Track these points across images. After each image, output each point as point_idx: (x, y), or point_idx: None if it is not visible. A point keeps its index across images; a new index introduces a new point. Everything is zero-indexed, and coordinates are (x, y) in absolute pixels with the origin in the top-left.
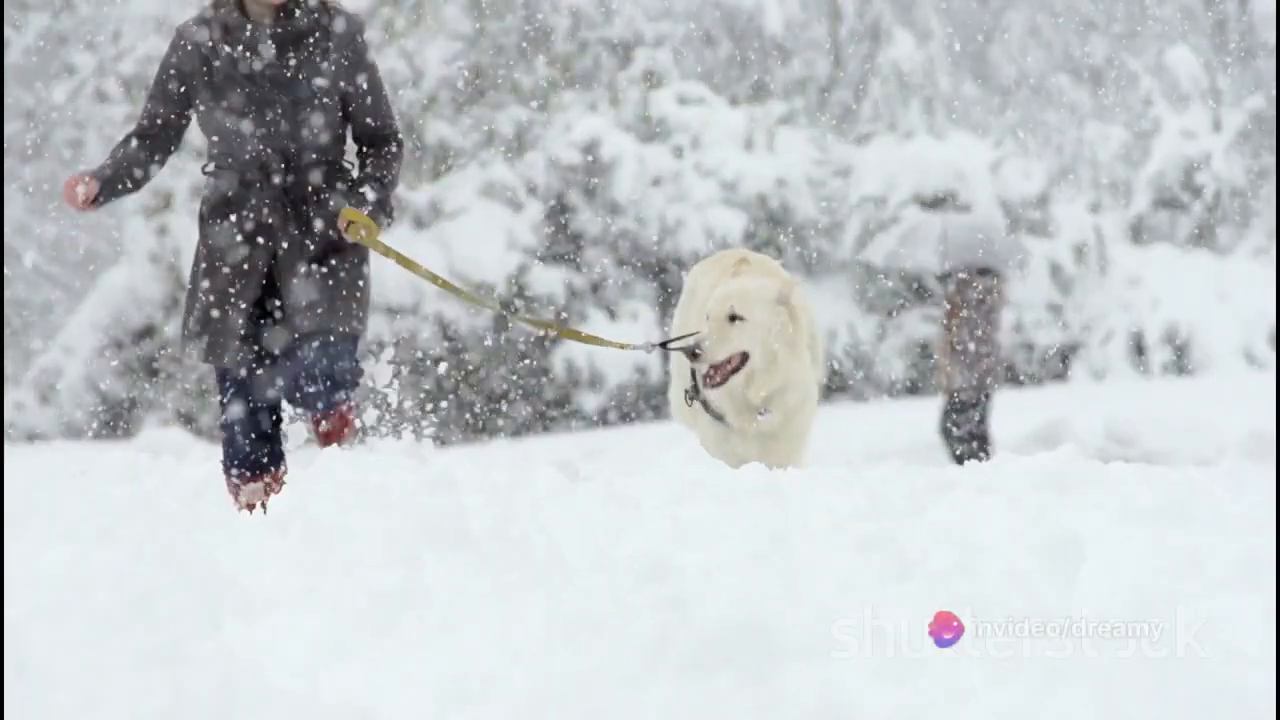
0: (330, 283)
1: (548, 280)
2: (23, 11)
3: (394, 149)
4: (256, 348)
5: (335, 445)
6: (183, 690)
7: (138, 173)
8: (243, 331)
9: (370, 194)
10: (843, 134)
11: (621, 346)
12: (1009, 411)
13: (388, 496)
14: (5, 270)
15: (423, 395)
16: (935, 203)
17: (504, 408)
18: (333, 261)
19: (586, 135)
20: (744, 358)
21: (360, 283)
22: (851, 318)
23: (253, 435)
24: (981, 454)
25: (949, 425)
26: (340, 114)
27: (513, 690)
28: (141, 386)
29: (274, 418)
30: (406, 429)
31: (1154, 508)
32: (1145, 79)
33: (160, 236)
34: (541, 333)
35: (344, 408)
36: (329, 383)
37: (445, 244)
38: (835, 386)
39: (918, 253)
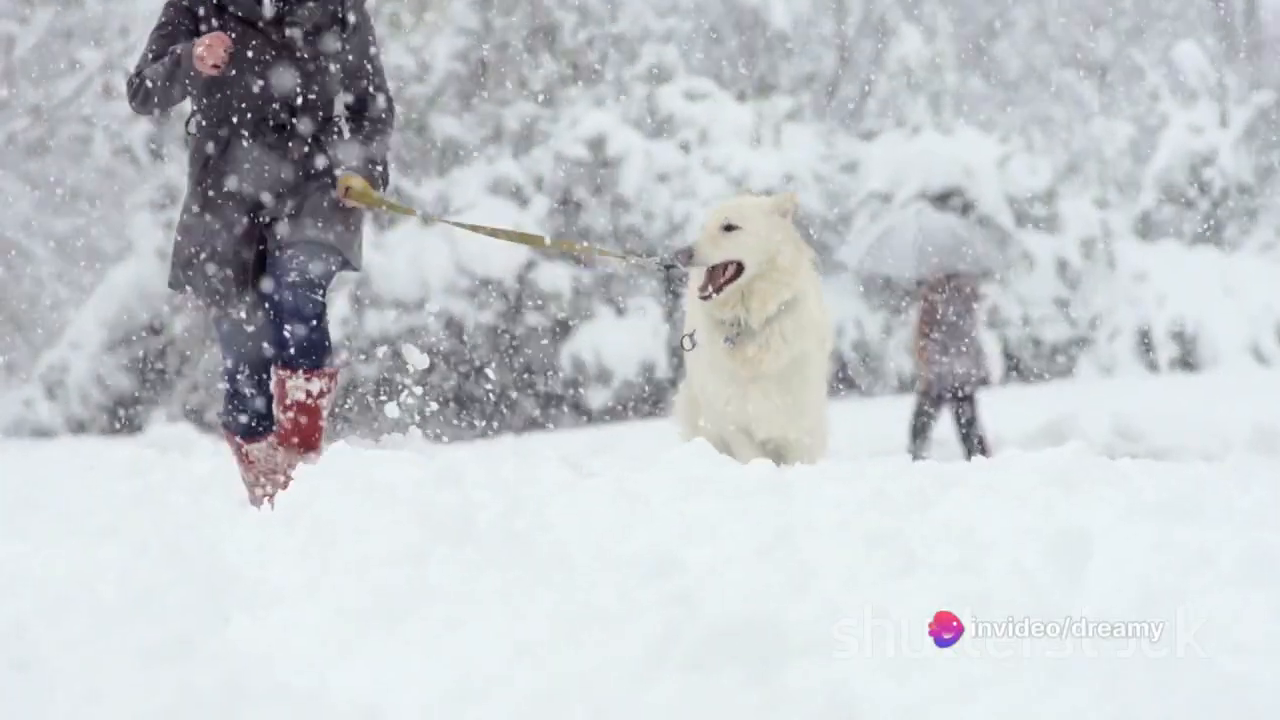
0: (316, 205)
1: (554, 276)
2: (29, 7)
3: (385, 111)
4: (258, 302)
5: (304, 447)
6: (188, 686)
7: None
8: (237, 272)
9: (365, 156)
10: (849, 129)
11: (625, 258)
12: (1016, 407)
13: (394, 492)
14: (12, 267)
15: (429, 391)
16: (942, 198)
17: (510, 403)
18: (324, 200)
19: (593, 130)
20: (739, 268)
21: (349, 214)
22: (859, 314)
23: (258, 385)
24: (981, 452)
25: (918, 424)
26: (337, 71)
27: (519, 686)
28: (148, 382)
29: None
30: (413, 425)
31: (1161, 503)
32: (1152, 74)
33: (167, 231)
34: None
35: (326, 370)
36: (309, 301)
37: (452, 239)
38: (842, 382)
39: (888, 259)
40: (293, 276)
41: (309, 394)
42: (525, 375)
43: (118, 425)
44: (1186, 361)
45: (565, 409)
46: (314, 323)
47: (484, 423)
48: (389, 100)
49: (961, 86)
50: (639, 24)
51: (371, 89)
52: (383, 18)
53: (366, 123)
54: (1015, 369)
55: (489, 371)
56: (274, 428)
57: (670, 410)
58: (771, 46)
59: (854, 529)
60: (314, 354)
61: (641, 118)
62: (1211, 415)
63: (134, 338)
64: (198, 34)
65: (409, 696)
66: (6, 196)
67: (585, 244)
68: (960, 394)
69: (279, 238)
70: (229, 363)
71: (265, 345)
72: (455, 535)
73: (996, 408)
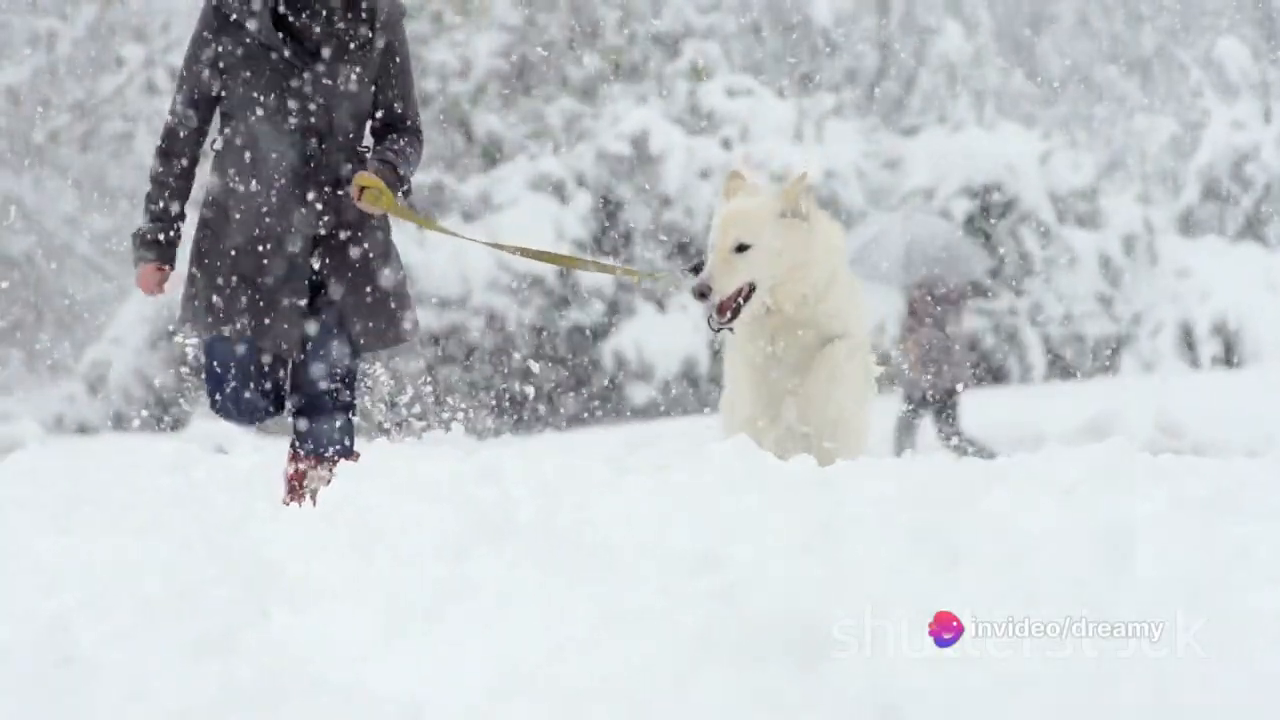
0: (370, 291)
1: (597, 274)
2: (72, 4)
3: (414, 137)
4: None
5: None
6: (230, 680)
7: (190, 185)
8: (296, 310)
9: (386, 160)
10: (891, 126)
11: (633, 274)
12: (1058, 403)
13: (436, 488)
14: (55, 263)
15: (471, 387)
16: (984, 194)
17: (552, 400)
18: (369, 269)
19: (635, 127)
20: (751, 288)
21: (401, 290)
22: (900, 309)
23: (252, 385)
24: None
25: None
26: (370, 94)
27: (560, 682)
28: (190, 379)
29: (277, 377)
30: (455, 421)
31: (1204, 499)
32: (1194, 70)
33: None
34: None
35: (339, 456)
36: (342, 403)
37: (494, 236)
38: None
39: (881, 265)
40: (328, 382)
41: (328, 483)
42: (567, 372)
43: (160, 421)
44: (1229, 357)
45: (607, 406)
46: (346, 417)
47: (525, 419)
48: (420, 133)
49: (1004, 83)
50: (681, 20)
51: (404, 115)
52: (425, 14)
53: (390, 141)
54: (1058, 365)
55: (531, 368)
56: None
57: (715, 406)
58: (813, 43)
59: (897, 524)
60: (341, 444)
61: (683, 114)
62: (1254, 411)
63: (176, 334)
64: (229, 61)
65: (450, 692)
66: (49, 193)
67: (610, 263)
68: (937, 399)
69: (323, 299)
70: (224, 404)
71: (270, 382)
72: (496, 531)
73: (1039, 404)
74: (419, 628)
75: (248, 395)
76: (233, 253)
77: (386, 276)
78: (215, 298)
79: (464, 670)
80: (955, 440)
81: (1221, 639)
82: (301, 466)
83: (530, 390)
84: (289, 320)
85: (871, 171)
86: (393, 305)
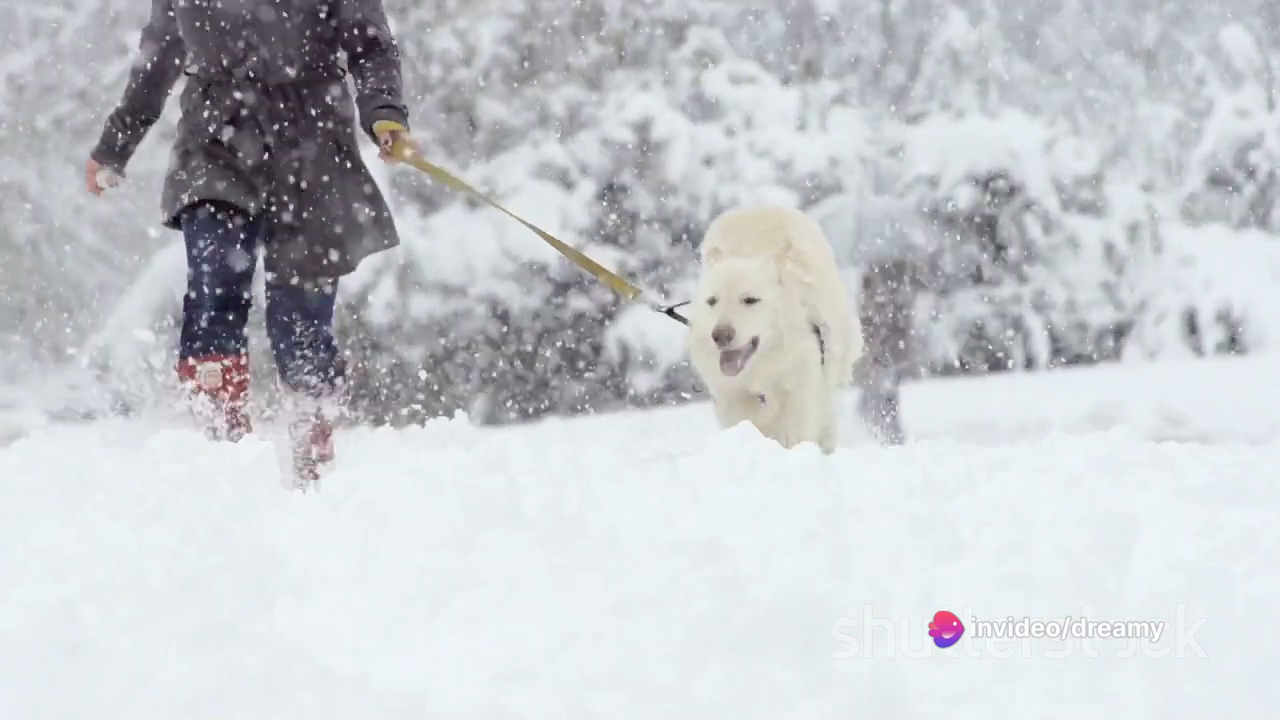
0: (336, 204)
1: (600, 260)
2: None
3: (392, 55)
4: (249, 206)
5: (320, 456)
6: (234, 670)
7: (151, 116)
8: (247, 175)
9: (397, 106)
10: (896, 113)
11: (634, 294)
12: (1062, 391)
13: (440, 476)
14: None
15: (475, 375)
16: (988, 181)
17: (556, 388)
18: (340, 190)
19: (639, 114)
20: (754, 342)
21: (375, 198)
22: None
23: (216, 308)
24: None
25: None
26: (329, 17)
27: (565, 670)
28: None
29: (244, 294)
30: (459, 409)
31: (1207, 487)
32: (1199, 58)
33: None
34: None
35: (339, 389)
36: (320, 331)
37: (498, 224)
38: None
39: (832, 241)
40: (306, 307)
41: (322, 417)
42: (571, 359)
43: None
44: (1233, 345)
45: (611, 393)
46: (325, 346)
47: (530, 407)
48: (395, 48)
49: (1008, 70)
50: (685, 7)
51: (376, 34)
52: (429, 2)
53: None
54: (1061, 353)
55: (535, 355)
56: (232, 348)
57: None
58: (818, 30)
59: (900, 512)
60: (327, 374)
61: (687, 102)
62: (1258, 399)
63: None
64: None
65: (454, 681)
66: (53, 180)
67: (632, 285)
68: (883, 383)
69: (286, 227)
70: (198, 280)
71: (241, 264)
72: (501, 519)
73: (1042, 391)
74: (423, 617)
75: (222, 257)
76: (199, 144)
77: (339, 203)
78: (181, 174)
79: (469, 659)
80: (895, 426)
81: (1224, 627)
82: (293, 396)
83: (534, 378)
84: (249, 181)
85: (876, 159)
86: (339, 231)
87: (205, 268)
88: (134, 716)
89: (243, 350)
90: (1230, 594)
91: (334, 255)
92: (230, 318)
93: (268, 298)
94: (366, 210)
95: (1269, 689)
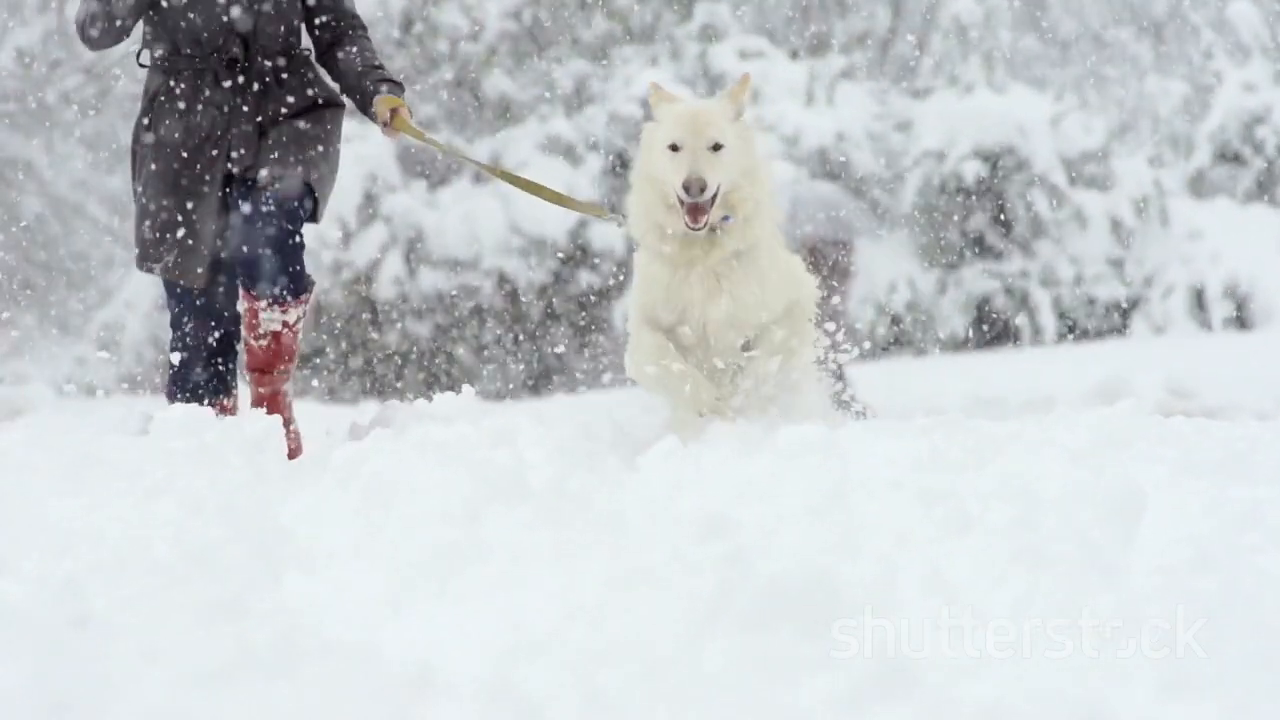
0: (289, 141)
1: (607, 234)
2: None
3: (366, 38)
4: (221, 257)
5: (270, 391)
6: (243, 643)
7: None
8: (210, 247)
9: (391, 80)
10: (903, 88)
11: (601, 214)
12: (1069, 366)
13: (447, 451)
14: (66, 225)
15: (482, 350)
16: (995, 156)
17: (564, 362)
18: (300, 127)
19: (646, 89)
20: (715, 192)
21: (325, 146)
22: (912, 272)
23: (207, 358)
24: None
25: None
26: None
27: (572, 644)
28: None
29: (230, 341)
30: (466, 383)
31: (1214, 461)
32: (1206, 32)
33: None
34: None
35: (302, 300)
36: (285, 231)
37: (505, 199)
38: (896, 341)
39: None
40: (269, 205)
41: (285, 324)
42: (578, 334)
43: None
44: (1240, 320)
45: (618, 368)
46: (291, 251)
47: (537, 381)
48: (365, 29)
49: (1015, 45)
50: None
51: (349, 18)
52: None
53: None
54: (1068, 328)
55: (542, 330)
56: (223, 391)
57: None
58: (825, 5)
59: (908, 487)
60: (291, 283)
61: (694, 76)
62: (1265, 373)
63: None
64: None
65: (461, 654)
66: (60, 155)
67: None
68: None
69: (250, 179)
70: (181, 340)
71: (221, 328)
72: (509, 494)
73: (1050, 366)
74: (431, 590)
75: (203, 322)
76: (164, 184)
77: (307, 141)
78: (148, 230)
79: (475, 633)
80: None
81: (1231, 600)
82: (254, 305)
83: (541, 353)
84: (203, 247)
85: (883, 133)
86: (305, 148)
87: (188, 330)
88: (142, 690)
89: (234, 387)
90: (1237, 568)
91: (300, 160)
92: (219, 366)
93: (241, 215)
94: (322, 166)
95: (1276, 661)
